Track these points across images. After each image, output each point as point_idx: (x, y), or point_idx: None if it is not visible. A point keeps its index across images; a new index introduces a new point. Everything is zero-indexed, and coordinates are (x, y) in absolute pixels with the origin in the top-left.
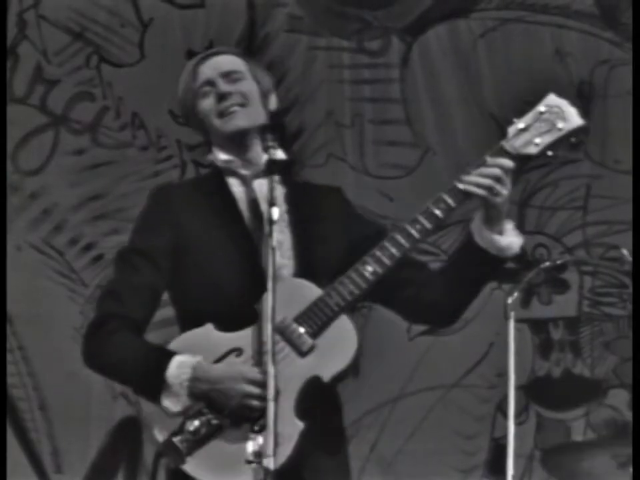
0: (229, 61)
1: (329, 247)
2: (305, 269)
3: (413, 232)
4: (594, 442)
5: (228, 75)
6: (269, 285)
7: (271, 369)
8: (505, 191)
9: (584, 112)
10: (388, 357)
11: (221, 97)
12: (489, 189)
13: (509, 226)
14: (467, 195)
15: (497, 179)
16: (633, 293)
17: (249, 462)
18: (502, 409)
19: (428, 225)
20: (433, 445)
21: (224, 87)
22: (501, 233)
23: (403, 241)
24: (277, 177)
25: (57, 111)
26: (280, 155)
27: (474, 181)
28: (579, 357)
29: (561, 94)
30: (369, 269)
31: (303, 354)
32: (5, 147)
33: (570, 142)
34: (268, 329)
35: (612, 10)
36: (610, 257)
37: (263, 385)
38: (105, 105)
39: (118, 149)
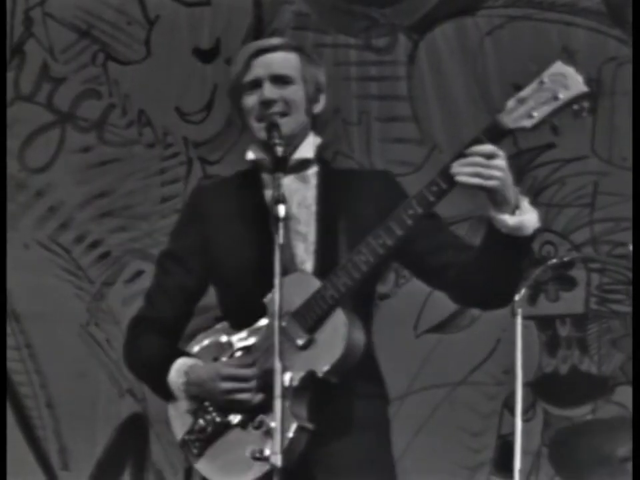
0: (282, 61)
1: (362, 238)
2: (326, 263)
3: (406, 218)
4: (600, 425)
5: (277, 79)
6: (276, 283)
7: (277, 365)
8: (497, 173)
9: (591, 109)
10: (395, 353)
11: (265, 103)
12: (474, 175)
13: (524, 203)
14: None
15: (481, 165)
16: (633, 291)
17: (256, 459)
18: (509, 405)
19: (420, 210)
20: (440, 442)
21: (269, 92)
22: (512, 212)
23: (396, 228)
24: (305, 174)
25: (64, 109)
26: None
27: (458, 170)
28: (586, 354)
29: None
30: (362, 258)
31: (299, 349)
32: (5, 145)
33: (573, 109)
34: (275, 325)
35: (619, 7)
36: (617, 254)
37: (238, 379)
38: (111, 102)
39: (124, 147)
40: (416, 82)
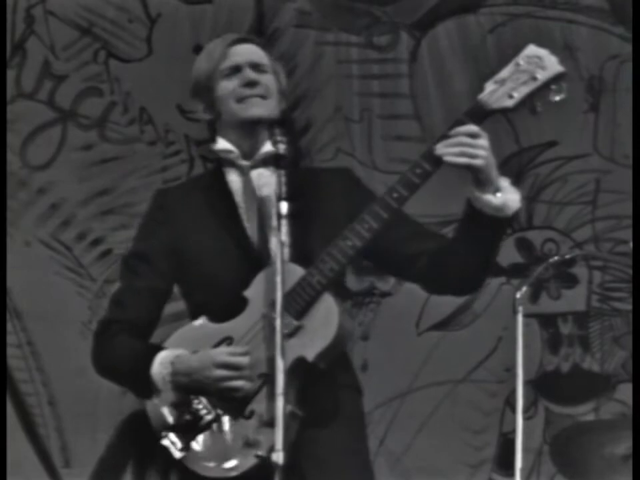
0: (257, 52)
1: (332, 230)
2: (301, 255)
3: (391, 201)
4: (602, 426)
5: (255, 66)
6: (278, 278)
7: (280, 363)
8: (482, 152)
9: (593, 106)
10: (396, 351)
11: (249, 83)
12: (461, 154)
13: (505, 183)
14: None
15: (467, 144)
16: (633, 288)
17: (257, 456)
18: (510, 403)
19: (405, 193)
20: (442, 440)
21: (252, 75)
22: (495, 192)
23: (381, 212)
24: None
25: (65, 106)
26: (283, 149)
27: (444, 150)
28: (588, 351)
29: (570, 88)
30: (349, 243)
31: (287, 336)
32: (5, 144)
33: (551, 89)
34: (278, 322)
35: (622, 5)
36: (619, 252)
37: (232, 366)
38: (112, 100)
39: (126, 144)
40: (418, 80)
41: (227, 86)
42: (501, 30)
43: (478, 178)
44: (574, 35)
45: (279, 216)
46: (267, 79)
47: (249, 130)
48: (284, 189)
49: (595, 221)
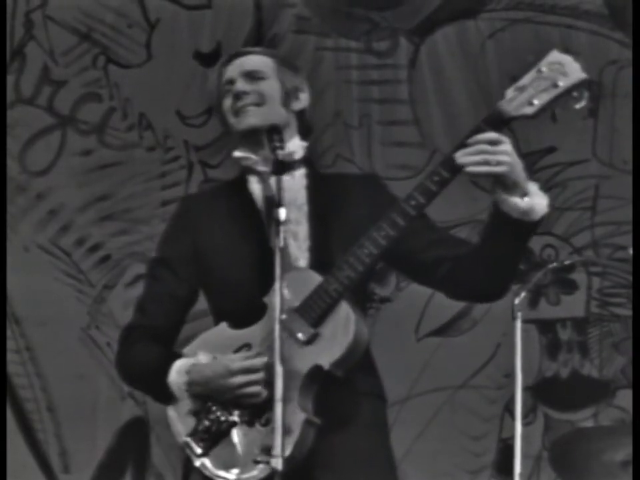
0: (253, 61)
1: (355, 237)
2: (320, 260)
3: (408, 209)
4: (601, 432)
5: (249, 75)
6: (277, 284)
7: (278, 368)
8: (505, 158)
9: (592, 112)
10: (396, 357)
11: (236, 95)
12: (484, 163)
13: (533, 188)
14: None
15: (488, 152)
16: (633, 294)
17: (257, 462)
18: (510, 409)
19: (422, 200)
20: (441, 446)
21: (241, 86)
22: (522, 195)
23: (398, 219)
24: (304, 174)
25: (64, 112)
26: (281, 155)
27: (465, 160)
28: (587, 357)
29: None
30: (365, 251)
31: (304, 344)
32: (4, 149)
33: (571, 96)
34: (276, 329)
35: (621, 10)
36: (618, 258)
37: (249, 371)
38: (111, 105)
39: (125, 150)
40: (417, 85)
41: (226, 102)
42: (500, 35)
43: (504, 183)
44: (573, 40)
45: (277, 222)
46: (264, 86)
47: (254, 140)
48: (282, 194)
49: (594, 227)
